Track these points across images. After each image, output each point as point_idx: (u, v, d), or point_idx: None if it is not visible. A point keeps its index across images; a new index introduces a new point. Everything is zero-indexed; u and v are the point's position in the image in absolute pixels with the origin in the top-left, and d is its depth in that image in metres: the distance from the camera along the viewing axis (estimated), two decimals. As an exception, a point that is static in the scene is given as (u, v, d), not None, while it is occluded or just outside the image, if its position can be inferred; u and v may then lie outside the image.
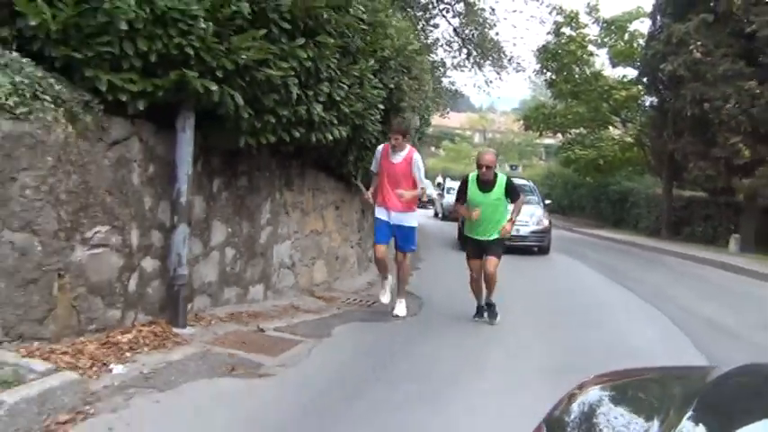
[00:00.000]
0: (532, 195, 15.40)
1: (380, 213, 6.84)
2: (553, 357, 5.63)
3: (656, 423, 1.52)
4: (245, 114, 5.20)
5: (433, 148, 50.09)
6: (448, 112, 27.30)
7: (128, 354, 4.51)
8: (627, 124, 26.44)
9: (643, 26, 24.68)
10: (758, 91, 15.90)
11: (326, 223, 8.01)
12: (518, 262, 11.40)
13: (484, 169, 6.59)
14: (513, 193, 6.75)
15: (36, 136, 4.11)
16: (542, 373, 5.05)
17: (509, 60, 22.70)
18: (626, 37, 25.80)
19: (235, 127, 5.31)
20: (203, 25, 4.70)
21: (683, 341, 6.49)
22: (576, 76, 26.06)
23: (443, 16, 21.51)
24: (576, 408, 1.76)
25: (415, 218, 7.02)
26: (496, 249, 6.73)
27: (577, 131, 27.57)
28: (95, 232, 4.66)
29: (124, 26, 4.38)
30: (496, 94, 56.24)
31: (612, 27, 25.81)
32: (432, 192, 27.45)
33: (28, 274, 4.16)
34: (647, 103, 23.82)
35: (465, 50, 22.37)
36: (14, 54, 4.07)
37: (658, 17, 20.02)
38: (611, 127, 27.48)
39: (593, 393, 1.85)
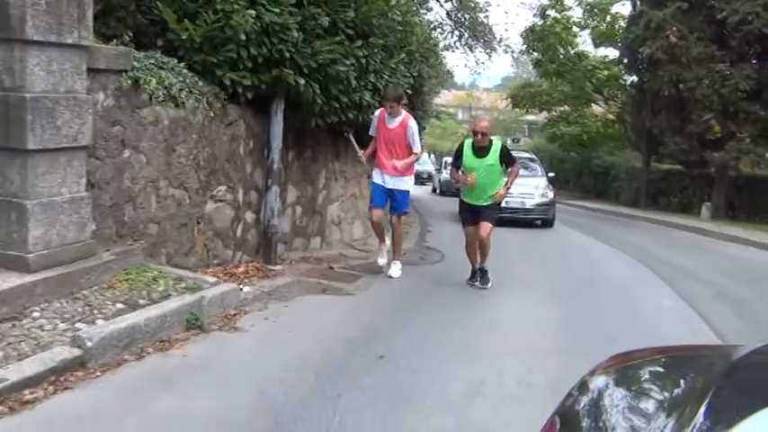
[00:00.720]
0: (536, 166, 15.94)
1: (377, 178, 7.27)
2: (560, 283, 7.49)
3: (674, 415, 1.47)
4: (319, 101, 6.85)
5: (419, 126, 51.59)
6: (438, 92, 28.82)
7: (245, 280, 6.18)
8: (609, 102, 28.26)
9: (624, 9, 26.38)
10: (728, 72, 17.63)
11: (362, 189, 9.67)
12: (519, 228, 13.05)
13: (479, 136, 6.84)
14: (508, 158, 6.93)
15: (188, 119, 5.75)
16: (551, 293, 6.85)
17: (499, 42, 24.24)
18: (608, 19, 27.52)
19: (310, 111, 6.96)
20: (296, 35, 6.32)
21: (653, 278, 8.33)
22: (561, 56, 27.81)
23: (437, 0, 22.96)
24: (588, 399, 1.72)
25: (410, 183, 7.37)
26: (490, 215, 6.99)
27: (562, 109, 29.33)
28: (218, 191, 6.32)
29: (243, 37, 6.00)
30: (478, 72, 57.74)
31: (595, 10, 27.51)
32: (430, 168, 29.00)
33: (181, 219, 5.83)
34: (628, 83, 25.54)
35: (457, 33, 23.85)
36: (174, 60, 5.68)
37: (638, 3, 21.66)
38: (593, 105, 29.32)
39: (607, 382, 1.81)
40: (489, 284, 7.04)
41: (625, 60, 23.57)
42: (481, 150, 6.85)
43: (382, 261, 7.38)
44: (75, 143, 4.58)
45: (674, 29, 18.16)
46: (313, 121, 7.15)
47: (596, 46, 29.10)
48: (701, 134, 18.37)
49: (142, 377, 3.89)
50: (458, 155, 7.10)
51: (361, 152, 7.57)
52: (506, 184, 6.99)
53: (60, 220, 4.54)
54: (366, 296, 6.27)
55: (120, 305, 4.54)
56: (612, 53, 28.21)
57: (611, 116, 27.82)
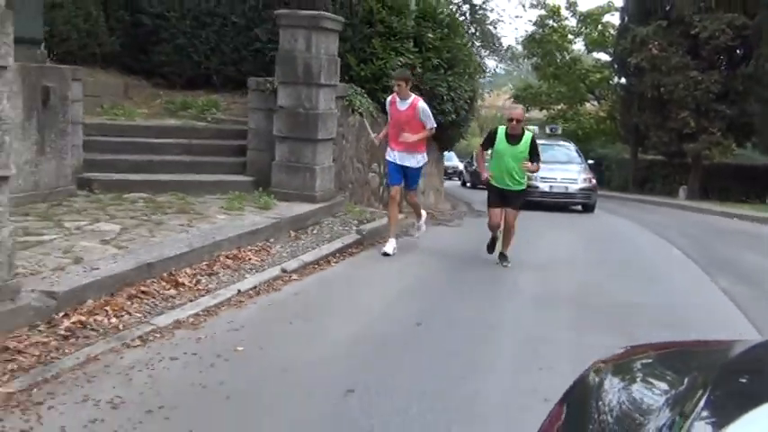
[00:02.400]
0: (575, 153, 17.41)
1: (390, 157, 7.96)
2: (583, 229, 11.85)
3: (675, 410, 1.55)
4: (427, 110, 11.18)
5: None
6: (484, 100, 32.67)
7: (391, 219, 10.50)
8: (600, 101, 32.83)
9: (613, 18, 30.77)
10: (700, 78, 22.18)
11: (431, 169, 14.01)
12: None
13: (514, 122, 7.34)
14: (534, 151, 7.45)
15: (364, 123, 10.10)
16: (578, 239, 11.26)
17: (506, 51, 28.67)
18: (599, 27, 32.05)
19: (420, 116, 11.28)
20: (419, 70, 10.67)
21: (639, 227, 12.78)
22: (558, 60, 32.30)
23: (452, 14, 27.29)
24: (593, 390, 1.83)
25: (421, 160, 7.99)
26: (516, 201, 7.69)
27: (559, 107, 33.78)
28: (374, 166, 10.67)
29: (392, 72, 10.33)
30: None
31: (588, 20, 32.03)
32: (456, 163, 32.48)
33: (360, 182, 10.20)
34: (617, 84, 29.99)
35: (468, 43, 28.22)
36: (360, 88, 10.02)
37: (625, 17, 26.16)
38: (587, 103, 33.87)
39: (612, 375, 1.90)
40: (508, 264, 7.75)
41: (615, 66, 28.08)
42: (513, 138, 7.40)
43: (390, 249, 7.80)
44: (330, 136, 8.91)
45: (656, 43, 22.70)
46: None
47: (589, 51, 33.67)
48: (678, 129, 22.85)
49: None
50: (489, 138, 7.73)
51: (373, 135, 8.62)
52: (532, 168, 7.54)
53: (325, 177, 8.88)
54: (462, 227, 10.75)
55: (356, 221, 8.86)
56: (603, 57, 32.86)
57: (602, 114, 32.34)
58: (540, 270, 7.76)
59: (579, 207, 15.32)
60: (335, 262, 7.24)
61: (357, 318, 5.49)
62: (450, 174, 31.14)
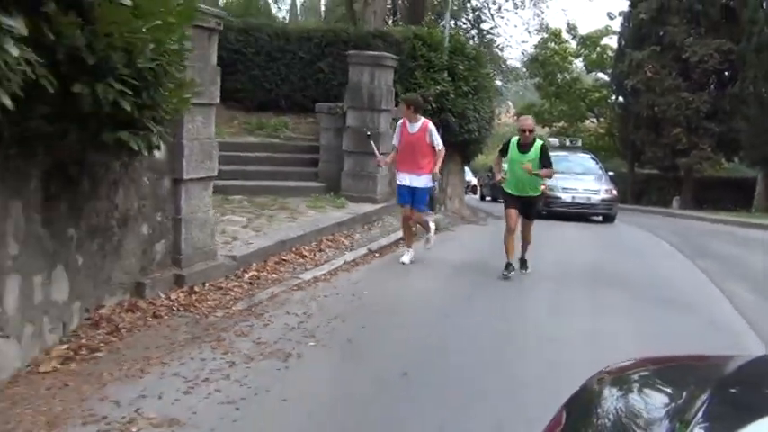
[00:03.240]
0: (596, 165, 17.92)
1: (402, 180, 8.44)
2: (592, 228, 14.15)
3: (673, 422, 1.59)
4: (458, 128, 13.54)
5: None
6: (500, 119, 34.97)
7: (430, 220, 12.83)
8: (599, 119, 35.30)
9: (612, 41, 33.23)
10: (691, 99, 24.65)
11: (456, 179, 16.35)
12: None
13: (527, 133, 7.73)
14: (545, 158, 7.76)
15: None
16: (585, 235, 13.60)
17: (510, 72, 31.14)
18: (598, 49, 34.58)
19: (454, 134, 13.64)
20: (452, 96, 13.04)
21: (640, 230, 15.09)
22: (559, 80, 34.76)
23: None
24: (595, 399, 1.90)
25: (428, 181, 8.39)
26: (532, 209, 8.23)
27: (560, 125, 36.23)
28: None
29: (431, 98, 12.69)
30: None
31: (587, 42, 34.57)
32: (471, 178, 34.43)
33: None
34: (615, 103, 32.43)
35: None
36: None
37: (622, 42, 28.68)
38: (587, 121, 36.33)
39: (614, 385, 1.97)
40: (528, 270, 8.22)
41: (613, 87, 30.58)
42: (525, 147, 7.79)
43: (407, 258, 8.43)
44: (387, 151, 11.24)
45: (650, 66, 25.19)
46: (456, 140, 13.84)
47: (588, 72, 36.18)
48: (672, 145, 25.29)
49: (440, 237, 10.52)
50: (504, 148, 8.13)
51: (380, 156, 9.35)
52: (542, 175, 7.91)
53: (383, 183, 11.21)
54: (489, 226, 13.02)
55: (407, 219, 11.16)
56: (602, 76, 35.35)
57: (601, 131, 34.80)
58: (559, 256, 10.08)
59: (600, 218, 15.86)
60: (401, 246, 9.55)
61: (435, 276, 7.83)
62: (465, 190, 33.04)
